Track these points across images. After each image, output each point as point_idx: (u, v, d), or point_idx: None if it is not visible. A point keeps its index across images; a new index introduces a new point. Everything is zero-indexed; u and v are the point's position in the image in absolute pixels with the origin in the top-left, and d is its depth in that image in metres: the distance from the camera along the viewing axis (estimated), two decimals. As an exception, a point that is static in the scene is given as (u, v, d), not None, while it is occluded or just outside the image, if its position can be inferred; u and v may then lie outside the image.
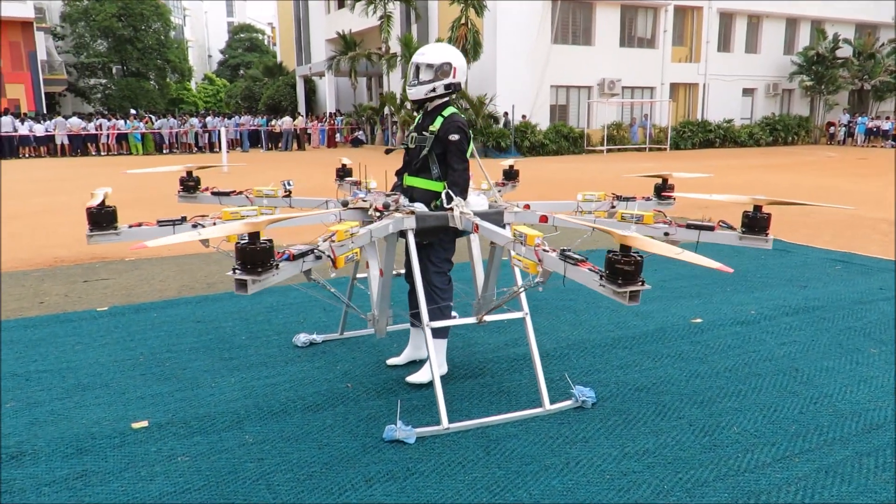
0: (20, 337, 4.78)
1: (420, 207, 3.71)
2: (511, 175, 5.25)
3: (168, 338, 4.72)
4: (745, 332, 4.77)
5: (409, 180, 3.86)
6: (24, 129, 24.52)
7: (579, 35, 27.33)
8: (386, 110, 29.49)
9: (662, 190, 4.52)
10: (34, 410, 3.59)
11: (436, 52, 3.77)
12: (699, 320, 5.04)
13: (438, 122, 3.74)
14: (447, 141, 3.69)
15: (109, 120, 26.43)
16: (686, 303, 5.48)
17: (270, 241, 2.45)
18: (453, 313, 4.96)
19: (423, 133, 3.78)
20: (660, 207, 4.46)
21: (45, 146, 25.06)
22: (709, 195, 3.60)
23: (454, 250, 3.89)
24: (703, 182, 12.08)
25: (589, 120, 27.66)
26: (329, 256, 2.79)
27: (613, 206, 4.37)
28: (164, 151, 27.13)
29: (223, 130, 19.42)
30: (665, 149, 27.36)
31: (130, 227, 3.33)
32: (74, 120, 25.78)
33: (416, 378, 3.85)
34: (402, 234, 3.56)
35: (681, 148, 27.82)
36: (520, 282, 3.57)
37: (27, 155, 24.59)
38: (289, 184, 4.19)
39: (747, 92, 31.55)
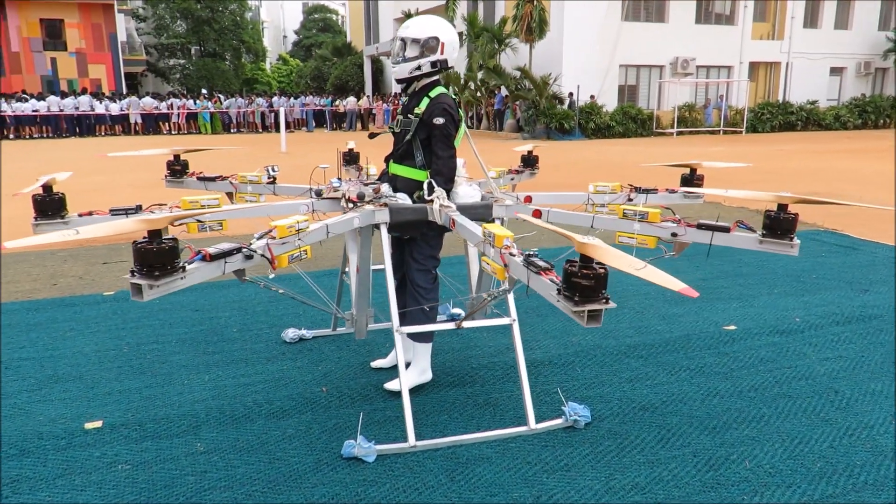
0: (20, 320, 4.71)
1: (403, 198, 3.36)
2: (529, 161, 4.80)
3: (160, 327, 4.55)
4: (783, 344, 4.21)
5: (393, 168, 3.50)
6: (100, 109, 25.40)
7: (652, 12, 26.07)
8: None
9: (691, 181, 4.01)
10: (-3, 403, 3.46)
11: (421, 25, 3.38)
12: (732, 327, 4.49)
13: (424, 103, 3.36)
14: (431, 125, 3.31)
15: (180, 100, 27.06)
16: (722, 306, 4.92)
17: (174, 239, 2.15)
18: (455, 310, 4.61)
19: (409, 116, 3.41)
20: (687, 200, 3.96)
21: (120, 125, 25.89)
22: (724, 191, 3.09)
23: (440, 246, 3.52)
24: (740, 172, 11.08)
25: (660, 101, 26.46)
26: (264, 256, 2.47)
27: (630, 199, 3.89)
28: (232, 131, 27.63)
29: (282, 111, 19.48)
30: (741, 132, 25.90)
31: (80, 215, 3.11)
32: (147, 100, 26.54)
33: (394, 385, 3.51)
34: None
35: (758, 131, 26.27)
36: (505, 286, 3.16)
37: (103, 133, 25.48)
38: (273, 169, 3.89)
39: (835, 71, 29.47)
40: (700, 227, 2.96)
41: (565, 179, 11.85)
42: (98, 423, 3.24)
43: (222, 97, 28.51)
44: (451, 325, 3.26)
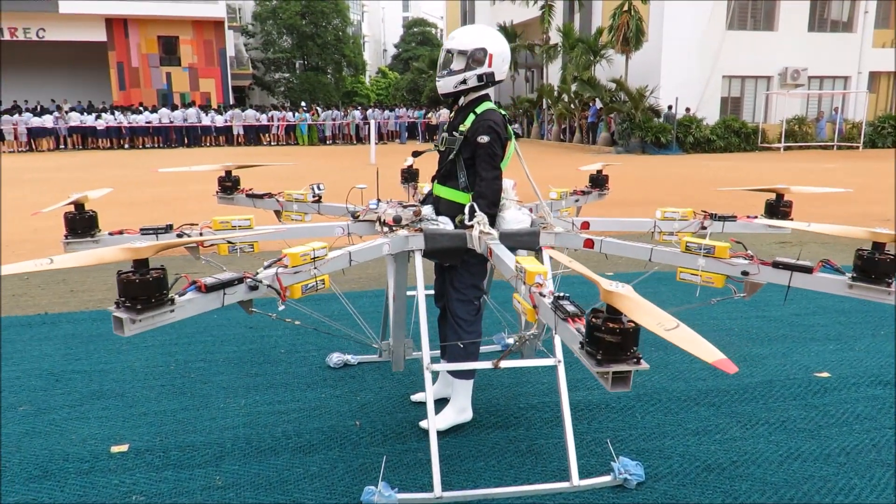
0: (83, 331, 4.79)
1: (445, 222, 3.11)
2: (598, 181, 4.42)
3: (212, 344, 4.50)
4: (886, 398, 3.63)
5: (437, 189, 3.26)
6: (206, 121, 26.65)
7: (759, 19, 24.71)
8: (543, 103, 28.65)
9: (776, 208, 3.53)
10: (37, 419, 3.45)
11: (468, 35, 3.12)
12: (826, 375, 3.94)
13: (470, 120, 3.11)
14: (475, 143, 3.05)
15: (280, 112, 28.02)
16: (815, 348, 4.36)
17: (161, 269, 1.98)
18: (510, 339, 4.30)
19: (453, 133, 3.16)
20: (772, 231, 3.50)
21: (224, 136, 27.07)
22: (807, 224, 2.64)
23: (485, 274, 3.24)
24: (837, 199, 9.94)
25: (766, 114, 24.98)
26: (272, 287, 2.28)
27: (704, 227, 3.48)
28: (328, 143, 28.31)
29: (373, 123, 19.72)
30: (857, 147, 24.03)
31: (111, 234, 3.04)
32: (250, 112, 27.63)
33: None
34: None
35: (877, 146, 24.29)
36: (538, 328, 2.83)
37: (208, 143, 26.72)
38: (318, 188, 3.74)
39: (969, 81, 26.90)
40: (776, 265, 2.54)
41: (650, 195, 11.25)
42: (124, 447, 3.16)
43: (319, 109, 29.29)
44: (486, 365, 2.96)
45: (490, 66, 3.08)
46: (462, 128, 3.12)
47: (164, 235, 3.04)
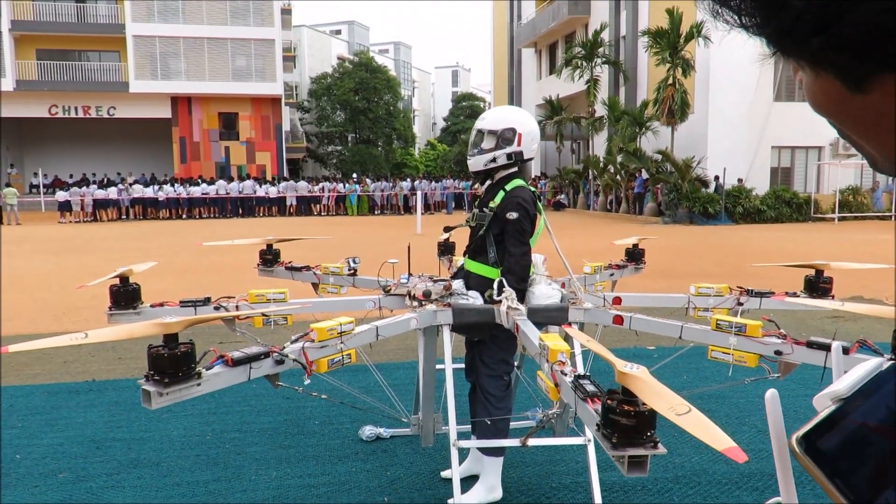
0: (127, 398, 4.90)
1: (475, 297, 3.15)
2: (634, 255, 4.41)
3: (248, 414, 4.55)
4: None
5: (468, 264, 3.32)
6: (261, 192, 27.62)
7: (808, 91, 24.60)
8: (589, 174, 28.82)
9: (816, 285, 3.45)
10: (75, 486, 3.52)
11: (498, 116, 3.24)
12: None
13: (499, 197, 3.18)
14: (505, 219, 3.11)
15: (331, 183, 28.86)
16: None
17: (190, 343, 2.05)
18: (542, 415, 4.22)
19: (484, 210, 3.23)
20: (811, 306, 3.41)
21: (277, 206, 27.94)
22: (840, 303, 2.58)
23: (514, 349, 3.23)
24: (877, 276, 9.35)
25: (818, 184, 24.56)
26: (298, 361, 2.33)
27: (740, 303, 3.42)
28: (376, 213, 28.91)
29: (419, 193, 20.12)
30: (917, 217, 23.29)
31: (152, 306, 3.16)
32: (302, 183, 28.54)
33: (459, 501, 3.18)
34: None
35: (939, 216, 23.50)
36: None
37: (262, 214, 27.59)
38: (354, 261, 3.83)
39: None
40: (810, 345, 2.47)
41: (696, 266, 11.07)
42: (155, 518, 3.18)
43: (369, 181, 30.05)
44: (515, 442, 2.92)
45: (519, 145, 3.17)
46: (492, 204, 3.19)
47: (201, 308, 3.13)
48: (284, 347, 2.35)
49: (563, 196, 31.17)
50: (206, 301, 3.18)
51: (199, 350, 2.20)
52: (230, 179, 28.96)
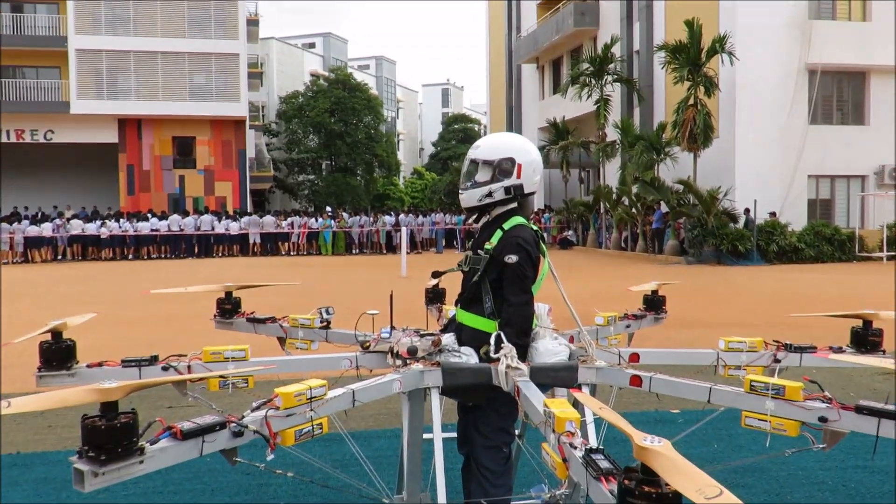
0: (57, 474, 4.80)
1: (468, 354, 3.12)
2: (653, 303, 4.42)
3: (203, 493, 4.45)
4: None
5: (460, 315, 3.31)
6: (220, 228, 27.65)
7: (847, 112, 25.08)
8: (600, 206, 29.05)
9: (864, 338, 3.45)
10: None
11: (494, 144, 3.26)
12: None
13: (496, 237, 3.18)
14: (503, 263, 3.10)
15: (301, 218, 28.92)
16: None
17: (132, 413, 2.01)
18: (548, 493, 4.16)
19: (478, 252, 3.23)
20: (862, 364, 3.41)
21: (239, 244, 27.94)
22: (893, 360, 2.57)
23: (516, 414, 3.19)
24: None
25: (863, 218, 24.81)
26: (259, 433, 2.28)
27: (778, 360, 3.41)
28: (354, 252, 28.94)
29: (405, 230, 20.19)
30: (977, 256, 23.51)
31: (89, 366, 3.12)
32: (268, 218, 28.60)
33: None
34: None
35: None
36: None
37: (221, 253, 27.56)
38: (328, 312, 3.82)
39: None
40: (860, 410, 2.45)
41: (725, 314, 11.09)
42: None
43: (346, 215, 30.15)
44: (516, 528, 2.87)
45: (519, 177, 3.19)
46: (487, 245, 3.18)
47: (147, 369, 3.10)
48: (244, 416, 2.32)
49: (570, 232, 31.36)
50: (153, 360, 3.15)
51: (144, 419, 2.16)
52: (185, 214, 29.00)
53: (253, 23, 42.10)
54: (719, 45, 22.11)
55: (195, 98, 35.60)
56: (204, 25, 35.69)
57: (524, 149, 3.25)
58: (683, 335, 8.88)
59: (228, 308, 4.13)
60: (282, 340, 3.96)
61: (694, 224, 22.73)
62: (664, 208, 24.57)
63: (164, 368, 3.11)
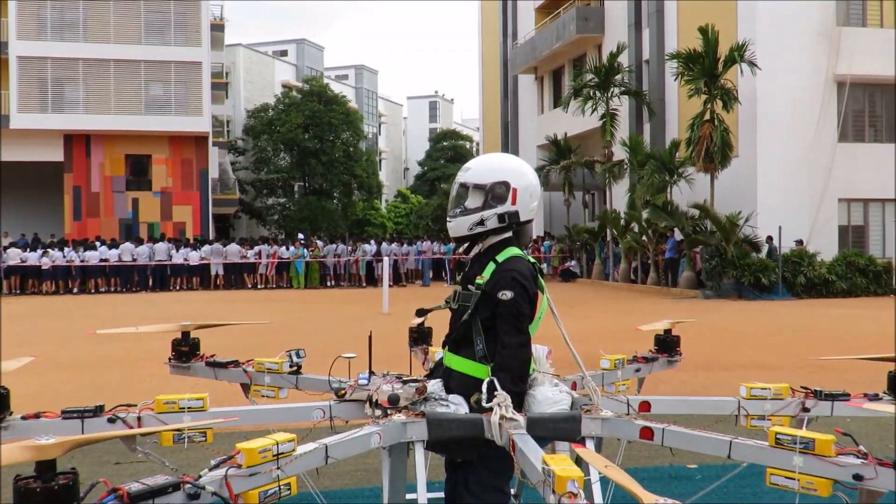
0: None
1: (457, 403, 3.12)
2: (666, 344, 4.43)
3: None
4: None
5: (448, 358, 3.31)
6: (178, 258, 27.57)
7: (880, 128, 25.39)
8: (607, 234, 29.19)
9: (904, 384, 3.47)
10: None
11: (487, 166, 3.29)
12: None
13: (489, 270, 3.19)
14: (496, 300, 3.11)
15: (270, 247, 28.88)
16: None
17: (73, 473, 1.99)
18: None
19: (468, 287, 3.24)
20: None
21: (199, 276, 27.85)
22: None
23: (510, 471, 3.18)
24: None
25: (900, 246, 25.03)
26: (217, 495, 2.26)
27: (806, 409, 3.42)
28: (330, 285, 28.91)
29: (387, 260, 20.20)
30: None
31: (24, 418, 3.09)
32: (232, 247, 28.55)
33: None
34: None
35: None
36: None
37: (178, 287, 27.45)
38: (298, 354, 3.81)
39: None
40: (899, 467, 2.45)
41: (747, 355, 11.10)
42: None
43: (321, 243, 30.14)
44: None
45: (514, 203, 3.20)
46: (479, 280, 3.19)
47: (91, 421, 3.07)
48: (201, 475, 2.29)
49: (573, 263, 31.47)
50: (98, 410, 3.13)
51: (86, 479, 2.13)
52: (138, 241, 28.91)
53: (218, 28, 42.44)
54: (738, 53, 22.37)
55: (151, 111, 35.79)
56: (162, 30, 35.98)
57: (520, 171, 3.27)
58: (700, 380, 8.88)
59: (185, 350, 4.12)
60: (246, 387, 3.95)
61: (712, 253, 22.86)
62: (678, 236, 24.71)
63: (111, 420, 3.09)
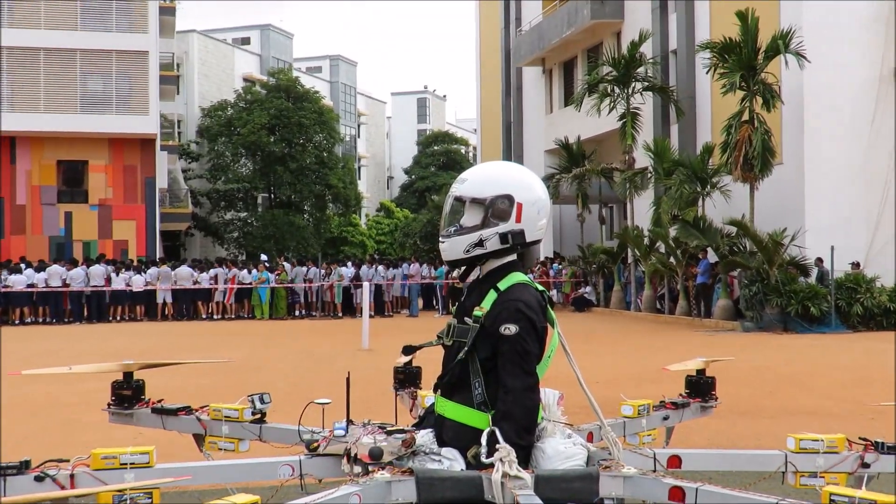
0: None
1: (451, 457, 3.12)
2: (699, 387, 4.44)
3: None
4: None
5: (440, 404, 3.32)
6: (118, 283, 27.52)
7: (951, 131, 25.53)
8: (628, 255, 29.25)
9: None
10: None
11: (486, 177, 3.32)
12: None
13: (489, 301, 3.20)
14: (498, 336, 3.11)
15: (228, 270, 28.85)
16: None
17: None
18: None
19: (465, 320, 3.25)
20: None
21: (144, 305, 27.78)
22: None
23: (516, 541, 3.17)
24: None
25: (977, 271, 25.12)
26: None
27: (866, 464, 3.44)
28: (299, 314, 28.87)
29: (367, 286, 20.18)
30: None
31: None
32: (183, 270, 28.52)
33: None
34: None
35: None
36: None
37: (118, 317, 27.38)
38: (262, 400, 3.82)
39: None
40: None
41: (794, 401, 11.11)
42: None
43: (288, 266, 30.12)
44: None
45: (518, 220, 3.22)
46: (477, 312, 3.20)
47: (14, 479, 3.07)
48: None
49: (587, 289, 31.51)
50: (23, 467, 3.13)
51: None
52: (72, 263, 28.80)
53: (167, 11, 42.50)
54: (782, 42, 22.43)
55: (89, 110, 35.84)
56: (102, 14, 36.11)
57: (525, 183, 3.28)
58: (740, 430, 8.87)
59: (128, 394, 4.13)
60: (200, 439, 3.96)
61: (752, 278, 22.88)
62: (712, 257, 24.77)
63: (39, 479, 3.09)
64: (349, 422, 3.41)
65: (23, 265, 28.12)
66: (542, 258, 33.60)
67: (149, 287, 27.85)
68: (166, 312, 27.88)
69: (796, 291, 22.30)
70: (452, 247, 3.27)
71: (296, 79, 51.82)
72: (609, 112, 28.33)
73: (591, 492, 2.99)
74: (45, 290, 26.96)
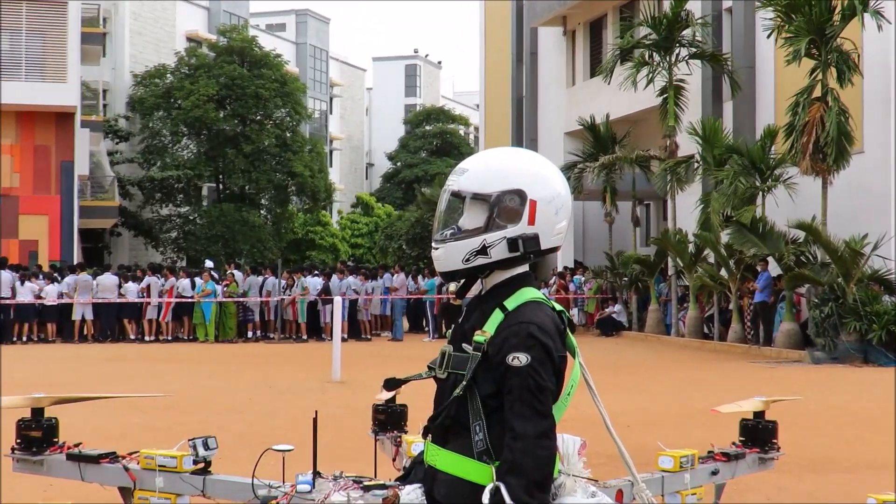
0: None
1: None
2: (758, 433, 4.46)
3: None
4: None
5: (432, 453, 3.30)
6: (25, 294, 27.49)
7: None
8: (668, 265, 29.27)
9: None
10: None
11: (491, 167, 3.30)
12: None
13: (493, 323, 3.19)
14: (505, 368, 3.11)
15: (164, 279, 28.82)
16: None
17: None
18: None
19: (463, 347, 3.24)
20: None
21: (57, 322, 27.73)
22: None
23: None
24: None
25: None
26: None
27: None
28: (250, 335, 28.84)
29: (338, 302, 20.15)
30: None
31: None
32: (108, 279, 28.49)
33: None
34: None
35: None
36: None
37: (24, 338, 27.33)
38: (206, 445, 3.82)
39: None
40: None
41: (876, 451, 11.12)
42: None
43: (240, 274, 30.08)
44: None
45: (531, 222, 3.21)
46: (479, 337, 3.19)
47: None
48: None
49: (617, 308, 31.53)
50: None
51: None
52: (-33, 269, 28.87)
53: (92, -46, 42.61)
54: (860, 1, 22.39)
55: (-11, 76, 35.79)
56: (9, -44, 36.04)
57: (541, 175, 3.28)
58: (808, 487, 8.89)
59: (37, 436, 4.13)
60: (127, 493, 3.96)
61: (824, 296, 22.90)
62: (774, 270, 24.82)
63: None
64: (316, 474, 3.42)
65: None
66: (560, 269, 33.67)
67: (64, 300, 27.84)
68: (85, 332, 27.91)
69: (879, 313, 22.28)
70: (448, 254, 3.26)
71: (252, 38, 51.67)
72: (647, 86, 28.32)
73: (618, 564, 3.01)
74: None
